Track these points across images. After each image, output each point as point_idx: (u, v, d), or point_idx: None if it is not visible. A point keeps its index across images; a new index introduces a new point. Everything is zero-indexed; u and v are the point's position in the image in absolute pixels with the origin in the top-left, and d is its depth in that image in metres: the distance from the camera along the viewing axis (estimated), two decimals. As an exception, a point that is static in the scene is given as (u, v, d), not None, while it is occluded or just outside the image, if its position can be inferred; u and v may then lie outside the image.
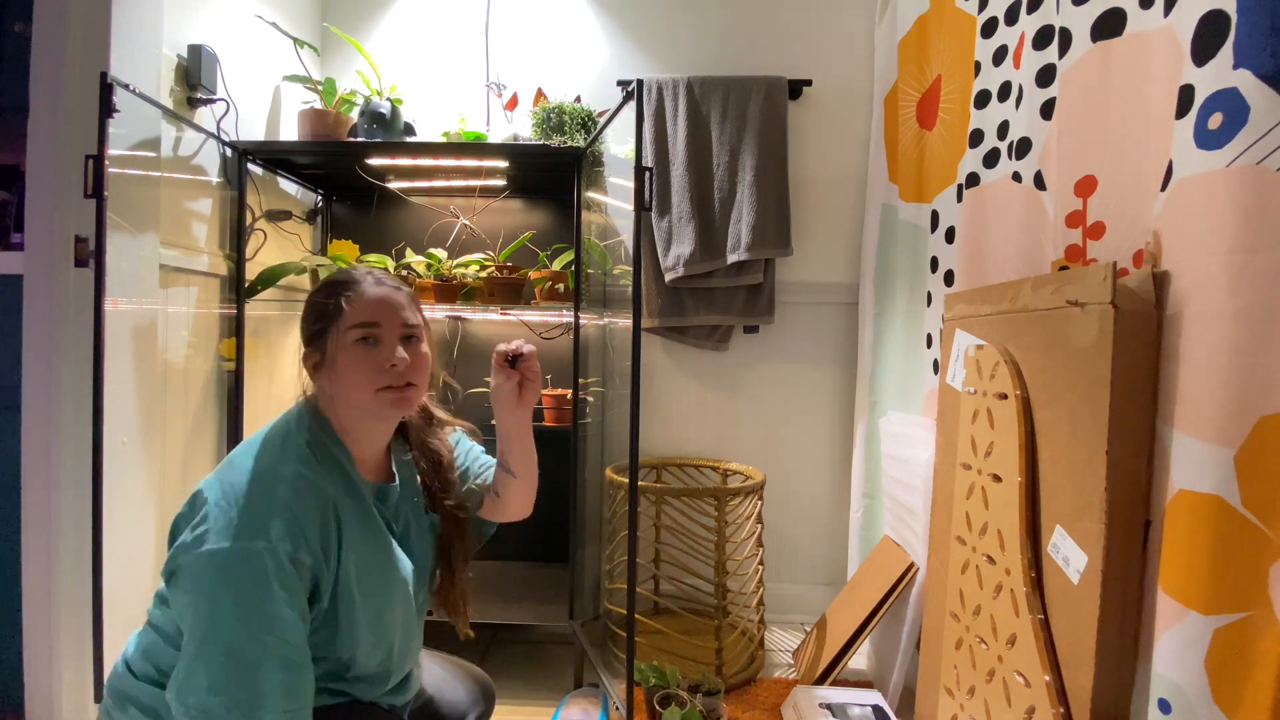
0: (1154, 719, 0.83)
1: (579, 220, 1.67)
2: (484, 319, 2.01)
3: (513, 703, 1.52)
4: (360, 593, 0.80)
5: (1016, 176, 1.24)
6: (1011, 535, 1.07)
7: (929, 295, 1.61)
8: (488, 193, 1.94)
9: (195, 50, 1.52)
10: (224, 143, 1.63)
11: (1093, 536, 0.91)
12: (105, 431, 1.24)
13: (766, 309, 1.97)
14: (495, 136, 1.92)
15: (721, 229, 1.94)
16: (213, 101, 1.58)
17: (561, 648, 1.81)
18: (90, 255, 1.26)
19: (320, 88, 1.75)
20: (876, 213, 1.89)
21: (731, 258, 1.91)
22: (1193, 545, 0.79)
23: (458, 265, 1.75)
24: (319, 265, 1.70)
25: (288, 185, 1.91)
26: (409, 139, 1.75)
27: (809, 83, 1.98)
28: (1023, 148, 1.22)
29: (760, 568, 1.75)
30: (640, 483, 1.51)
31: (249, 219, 1.69)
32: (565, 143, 1.66)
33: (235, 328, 1.65)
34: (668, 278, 1.95)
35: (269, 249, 1.78)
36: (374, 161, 1.73)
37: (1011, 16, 1.30)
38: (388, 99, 1.73)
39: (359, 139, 1.69)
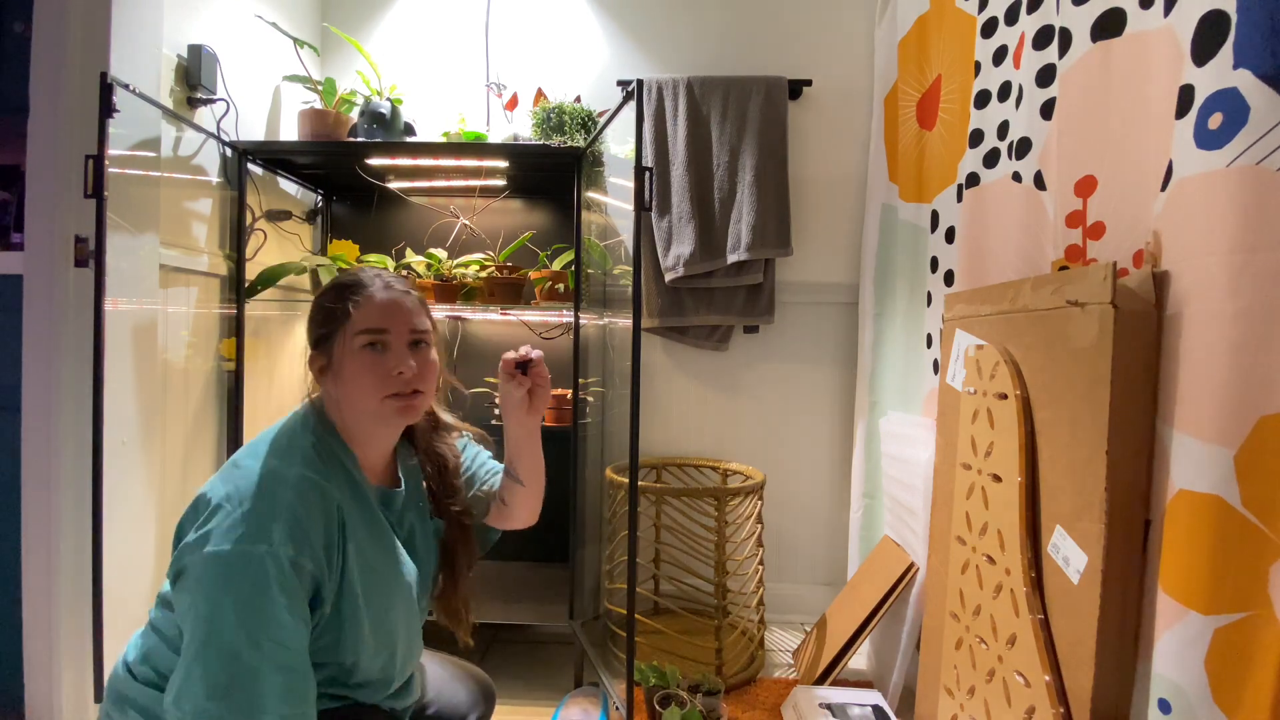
0: (1154, 719, 0.83)
1: (579, 220, 1.67)
2: (484, 319, 2.01)
3: (513, 703, 1.52)
4: (364, 597, 0.79)
5: (1016, 176, 1.24)
6: (1011, 535, 1.07)
7: (929, 295, 1.61)
8: (488, 193, 1.94)
9: (195, 50, 1.52)
10: (224, 143, 1.63)
11: (1093, 536, 0.91)
12: (105, 431, 1.24)
13: (766, 309, 1.97)
14: (495, 136, 1.92)
15: (721, 229, 1.94)
16: (213, 101, 1.58)
17: (561, 648, 1.81)
18: (90, 255, 1.26)
19: (320, 88, 1.75)
20: (876, 213, 1.89)
21: (731, 258, 1.91)
22: (1193, 545, 0.79)
23: (458, 265, 1.75)
24: (319, 265, 1.70)
25: (288, 185, 1.91)
26: (409, 139, 1.75)
27: (809, 83, 1.98)
28: (1023, 148, 1.22)
29: (760, 568, 1.75)
30: (640, 483, 1.51)
31: (249, 219, 1.69)
32: (565, 143, 1.66)
33: (235, 328, 1.65)
34: (668, 278, 1.95)
35: (269, 249, 1.78)
36: (374, 161, 1.73)
37: (1011, 16, 1.30)
38: (388, 99, 1.73)
39: (359, 139, 1.69)
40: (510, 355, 0.91)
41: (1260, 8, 0.74)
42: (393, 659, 0.85)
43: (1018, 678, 1.02)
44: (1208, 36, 0.80)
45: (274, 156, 1.78)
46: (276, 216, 1.82)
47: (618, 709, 1.40)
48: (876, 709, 1.37)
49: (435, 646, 1.07)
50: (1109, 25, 1.04)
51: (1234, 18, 0.77)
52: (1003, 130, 1.31)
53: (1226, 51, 0.77)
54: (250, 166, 1.70)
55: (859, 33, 2.02)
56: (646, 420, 2.02)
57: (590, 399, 1.85)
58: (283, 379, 1.90)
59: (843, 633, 1.54)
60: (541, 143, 1.68)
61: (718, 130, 1.94)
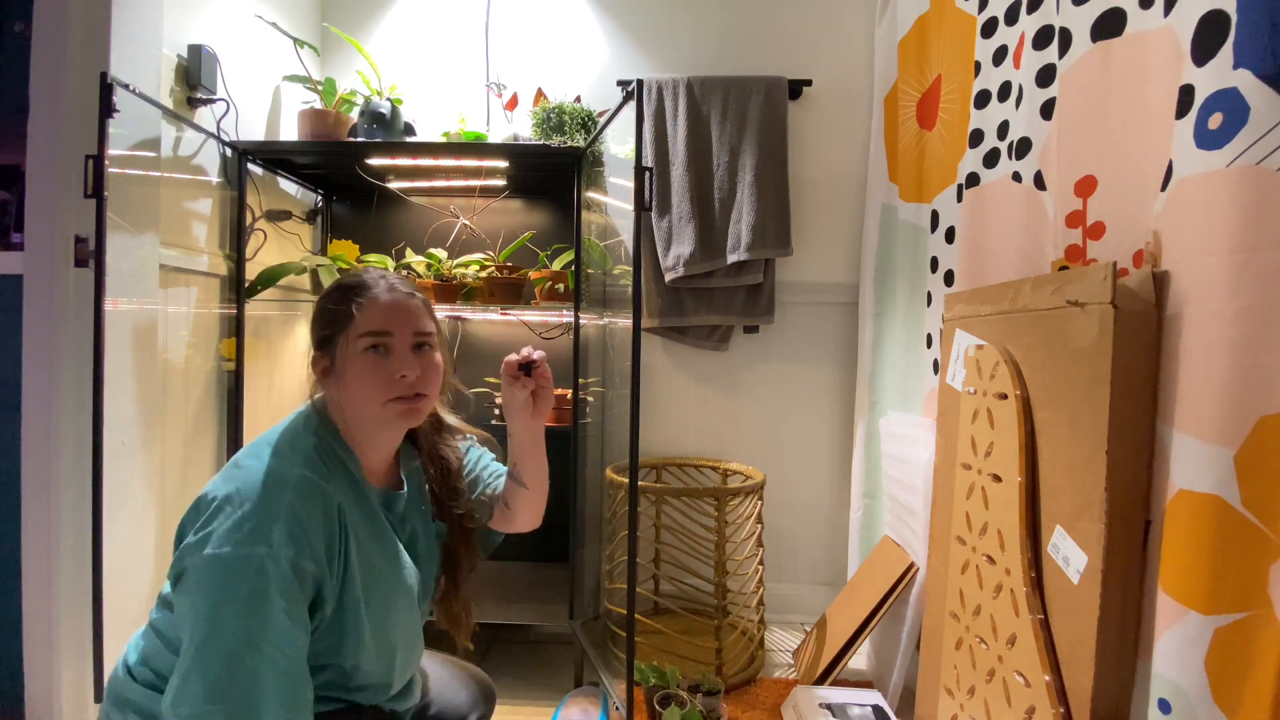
0: (1154, 719, 0.83)
1: (579, 220, 1.67)
2: (484, 319, 2.01)
3: (513, 702, 1.52)
4: (365, 599, 0.79)
5: (1016, 176, 1.24)
6: (1011, 535, 1.07)
7: (929, 295, 1.61)
8: (488, 193, 1.94)
9: (195, 50, 1.52)
10: (224, 143, 1.63)
11: (1093, 536, 0.91)
12: (105, 431, 1.24)
13: (766, 309, 1.97)
14: (495, 136, 1.92)
15: (721, 229, 1.94)
16: (213, 101, 1.58)
17: (561, 648, 1.81)
18: (90, 255, 1.26)
19: (320, 88, 1.75)
20: (876, 213, 1.89)
21: (731, 258, 1.91)
22: (1193, 545, 0.79)
23: (458, 265, 1.75)
24: (319, 265, 1.70)
25: (288, 185, 1.91)
26: (409, 139, 1.75)
27: (809, 83, 1.98)
28: (1023, 148, 1.22)
29: (760, 568, 1.75)
30: (640, 483, 1.51)
31: (249, 219, 1.69)
32: (565, 143, 1.66)
33: (235, 328, 1.65)
34: (668, 278, 1.95)
35: (269, 249, 1.78)
36: (374, 161, 1.73)
37: (1011, 16, 1.30)
38: (388, 99, 1.73)
39: (359, 139, 1.69)
40: (513, 357, 0.91)
41: (1260, 8, 0.74)
42: (392, 662, 0.85)
43: (1018, 678, 1.02)
44: (1208, 36, 0.80)
45: (274, 156, 1.78)
46: (276, 216, 1.82)
47: (618, 709, 1.40)
48: (876, 709, 1.37)
49: (435, 647, 1.07)
50: (1109, 25, 1.04)
51: (1234, 18, 0.77)
52: (1003, 130, 1.31)
53: (1226, 51, 0.77)
54: (250, 166, 1.70)
55: (859, 33, 2.02)
56: (646, 420, 2.02)
57: (590, 399, 1.85)
58: (283, 379, 1.90)
59: (843, 633, 1.54)
60: (541, 143, 1.68)
61: (718, 130, 1.94)
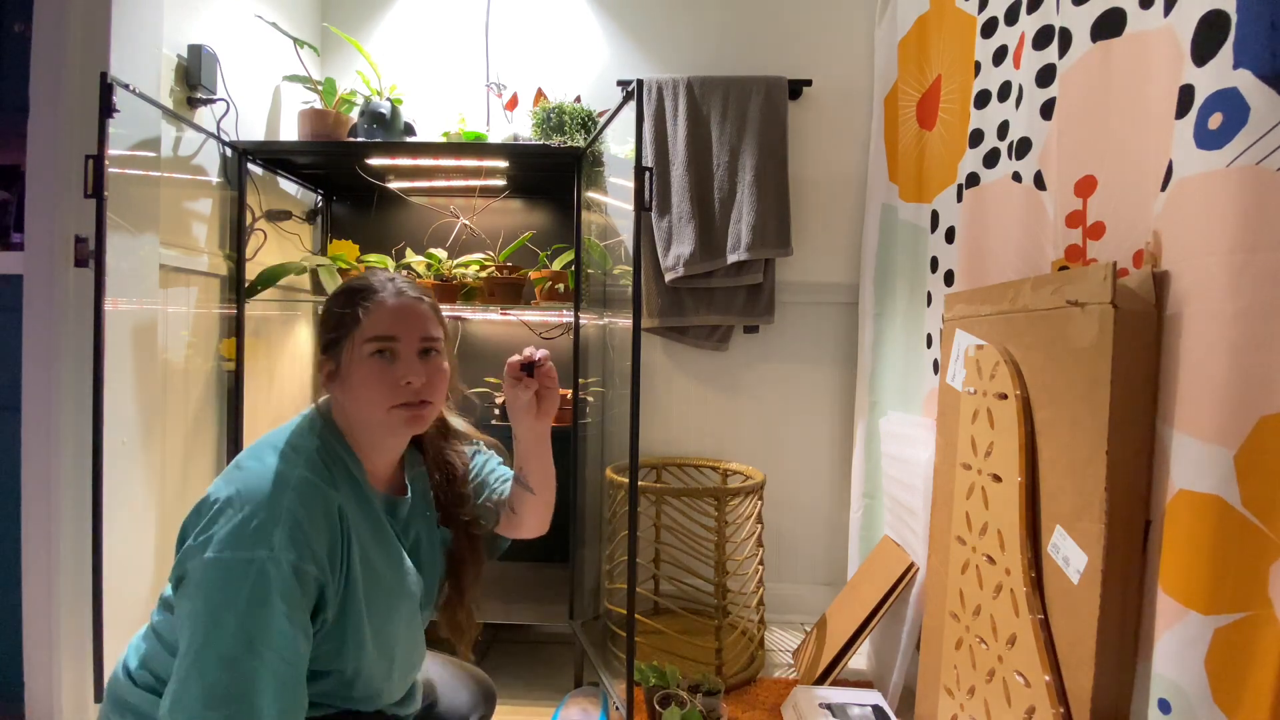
0: (1154, 719, 0.83)
1: (579, 220, 1.67)
2: (484, 319, 2.01)
3: (513, 703, 1.52)
4: (367, 603, 0.78)
5: (1016, 176, 1.24)
6: (1011, 535, 1.07)
7: (929, 295, 1.61)
8: (488, 193, 1.94)
9: (195, 50, 1.52)
10: (224, 143, 1.63)
11: (1093, 536, 0.91)
12: (105, 432, 1.24)
13: (766, 309, 1.97)
14: (495, 136, 1.92)
15: (721, 229, 1.94)
16: (213, 101, 1.58)
17: (561, 648, 1.81)
18: (90, 255, 1.26)
19: (320, 88, 1.75)
20: (876, 213, 1.89)
21: (731, 258, 1.91)
22: (1193, 545, 0.79)
23: (458, 265, 1.75)
24: (319, 265, 1.70)
25: (288, 185, 1.91)
26: (409, 139, 1.75)
27: (809, 83, 1.98)
28: (1023, 148, 1.22)
29: (760, 568, 1.75)
30: (640, 483, 1.51)
31: (249, 219, 1.69)
32: (565, 143, 1.66)
33: (235, 328, 1.65)
34: (668, 278, 1.95)
35: (269, 249, 1.78)
36: (374, 161, 1.73)
37: (1011, 16, 1.30)
38: (388, 99, 1.73)
39: (359, 139, 1.69)
40: (515, 358, 0.89)
41: (1260, 7, 0.74)
42: (393, 667, 0.84)
43: (1018, 678, 1.02)
44: (1208, 36, 0.80)
45: (274, 156, 1.78)
46: (276, 216, 1.82)
47: (618, 709, 1.40)
48: (876, 709, 1.37)
49: (434, 647, 1.07)
50: (1109, 25, 1.04)
51: (1234, 18, 0.77)
52: (1003, 130, 1.31)
53: (1226, 51, 0.78)
54: (250, 166, 1.70)
55: (859, 33, 2.02)
56: (646, 420, 2.02)
57: (590, 399, 1.85)
58: (283, 379, 1.90)
59: (843, 633, 1.54)
60: (541, 143, 1.68)
61: (718, 130, 1.94)
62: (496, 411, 1.70)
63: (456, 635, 0.95)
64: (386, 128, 1.68)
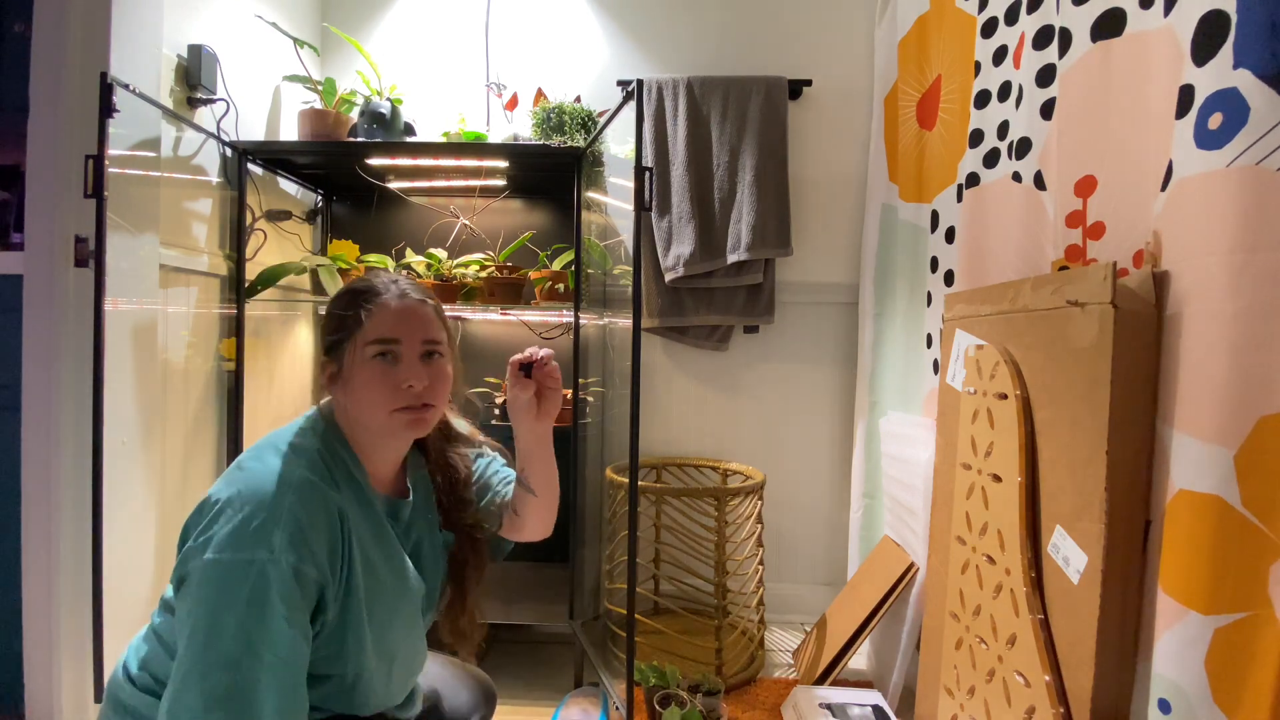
0: (1154, 719, 0.83)
1: (579, 220, 1.67)
2: (484, 319, 2.01)
3: (513, 703, 1.52)
4: (368, 606, 0.78)
5: (1016, 176, 1.24)
6: (1011, 535, 1.07)
7: (929, 295, 1.61)
8: (488, 193, 1.94)
9: (195, 50, 1.52)
10: (224, 143, 1.63)
11: (1093, 536, 0.91)
12: (105, 431, 1.24)
13: (766, 309, 1.97)
14: (495, 136, 1.92)
15: (721, 229, 1.94)
16: (213, 101, 1.58)
17: (561, 648, 1.81)
18: (90, 255, 1.26)
19: (320, 88, 1.75)
20: (876, 213, 1.89)
21: (731, 258, 1.91)
22: (1193, 545, 0.79)
23: (458, 265, 1.75)
24: (319, 265, 1.70)
25: (288, 185, 1.91)
26: (409, 139, 1.75)
27: (809, 83, 1.98)
28: (1023, 148, 1.22)
29: (760, 568, 1.75)
30: (640, 483, 1.51)
31: (249, 219, 1.69)
32: (565, 143, 1.66)
33: (235, 328, 1.65)
34: (668, 278, 1.95)
35: (269, 249, 1.78)
36: (374, 161, 1.73)
37: (1011, 16, 1.30)
38: (388, 99, 1.73)
39: (359, 139, 1.69)
40: (517, 357, 0.89)
41: (1260, 8, 0.74)
42: (391, 671, 0.84)
43: (1018, 678, 1.02)
44: (1208, 36, 0.80)
45: (274, 156, 1.78)
46: (276, 216, 1.82)
47: (618, 709, 1.40)
48: (876, 709, 1.37)
49: (435, 647, 1.07)
50: (1109, 25, 1.04)
51: (1234, 18, 0.77)
52: (1003, 130, 1.31)
53: (1226, 51, 0.78)
54: (250, 166, 1.70)
55: (859, 33, 2.02)
56: (646, 420, 2.02)
57: (590, 399, 1.85)
58: (283, 379, 1.90)
59: (843, 633, 1.54)
60: (541, 143, 1.68)
61: (718, 130, 1.94)
62: (496, 411, 1.70)
63: (459, 641, 0.94)
64: (386, 128, 1.68)
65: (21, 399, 1.31)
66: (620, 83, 2.00)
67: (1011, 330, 1.14)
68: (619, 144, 1.90)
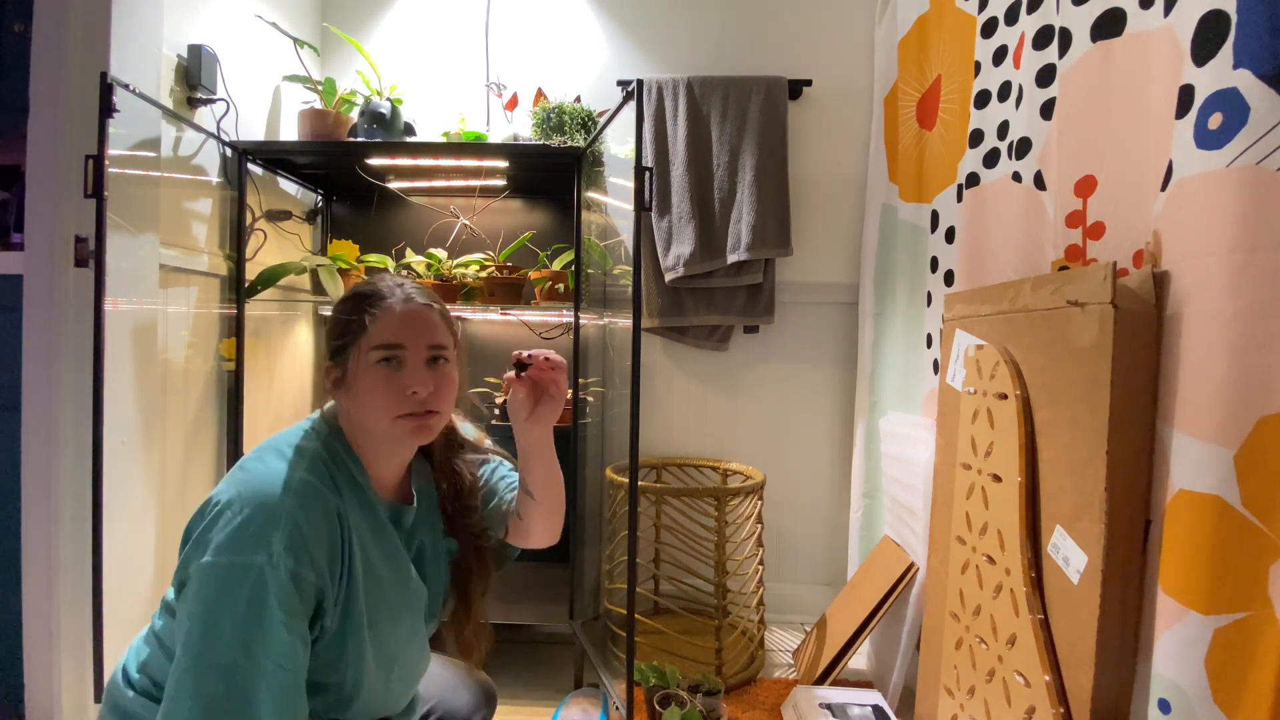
0: (1154, 719, 0.83)
1: (579, 220, 1.67)
2: (484, 319, 2.01)
3: (513, 703, 1.52)
4: (368, 613, 0.77)
5: (1016, 176, 1.24)
6: (1011, 535, 1.07)
7: (929, 295, 1.61)
8: (488, 193, 1.94)
9: (195, 50, 1.52)
10: (224, 143, 1.62)
11: (1093, 536, 0.91)
12: (105, 432, 1.24)
13: (766, 309, 1.97)
14: (495, 136, 1.92)
15: (721, 229, 1.94)
16: (213, 101, 1.58)
17: (561, 648, 1.81)
18: (90, 255, 1.26)
19: (320, 88, 1.75)
20: (876, 213, 1.89)
21: (731, 258, 1.91)
22: (1193, 545, 0.79)
23: (458, 265, 1.75)
24: (319, 265, 1.70)
25: (288, 185, 1.91)
26: (409, 139, 1.75)
27: (809, 83, 1.98)
28: (1023, 148, 1.22)
29: (760, 568, 1.75)
30: (640, 483, 1.51)
31: (249, 219, 1.69)
32: (565, 143, 1.66)
33: (235, 328, 1.65)
34: (668, 278, 1.95)
35: (269, 249, 1.78)
36: (374, 161, 1.73)
37: (1011, 16, 1.30)
38: (388, 99, 1.73)
39: (359, 139, 1.69)
40: (516, 353, 0.88)
41: (1260, 7, 0.74)
42: (390, 679, 0.83)
43: (1018, 678, 1.02)
44: (1208, 36, 0.80)
45: (274, 156, 1.78)
46: (276, 216, 1.82)
47: (618, 709, 1.40)
48: (876, 709, 1.37)
49: (435, 648, 1.07)
50: (1109, 25, 1.04)
51: (1234, 18, 0.77)
52: (1003, 130, 1.31)
53: (1226, 51, 0.78)
54: (250, 166, 1.70)
55: (859, 33, 2.02)
56: (646, 420, 2.02)
57: (590, 399, 1.85)
58: (283, 379, 1.90)
59: (843, 633, 1.54)
60: (541, 143, 1.68)
61: (718, 130, 1.94)
62: (496, 411, 1.70)
63: (466, 652, 0.92)
64: (386, 128, 1.68)
65: (21, 399, 1.31)
66: (620, 83, 2.00)
67: (1011, 330, 1.14)
68: (619, 144, 1.90)
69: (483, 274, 1.72)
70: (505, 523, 0.94)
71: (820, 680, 1.51)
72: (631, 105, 1.25)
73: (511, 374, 0.86)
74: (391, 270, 1.81)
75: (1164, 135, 0.91)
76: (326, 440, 0.80)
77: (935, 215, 1.60)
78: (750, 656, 1.69)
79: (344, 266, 1.75)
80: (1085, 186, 1.09)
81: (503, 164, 1.74)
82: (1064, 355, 0.99)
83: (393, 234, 2.02)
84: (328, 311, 1.93)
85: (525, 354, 0.87)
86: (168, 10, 1.45)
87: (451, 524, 0.92)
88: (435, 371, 0.80)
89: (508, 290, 1.68)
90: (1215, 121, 0.79)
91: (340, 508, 0.75)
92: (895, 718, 1.37)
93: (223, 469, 1.65)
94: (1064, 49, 1.11)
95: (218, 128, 1.60)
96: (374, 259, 1.81)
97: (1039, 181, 1.19)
